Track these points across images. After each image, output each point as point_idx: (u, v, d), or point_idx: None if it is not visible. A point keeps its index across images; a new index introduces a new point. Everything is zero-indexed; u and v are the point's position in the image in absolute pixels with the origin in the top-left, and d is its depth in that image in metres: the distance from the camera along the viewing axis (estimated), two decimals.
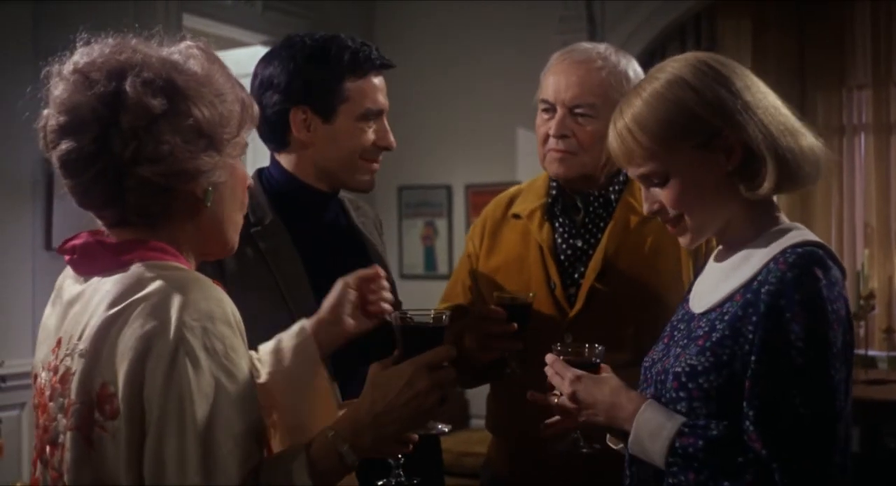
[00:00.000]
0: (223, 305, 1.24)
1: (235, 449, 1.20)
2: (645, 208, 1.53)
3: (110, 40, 1.30)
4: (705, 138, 1.44)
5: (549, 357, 1.57)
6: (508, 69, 5.28)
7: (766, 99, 1.47)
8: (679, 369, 1.44)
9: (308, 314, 1.69)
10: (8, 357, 3.88)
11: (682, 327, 1.54)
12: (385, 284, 1.68)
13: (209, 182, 1.29)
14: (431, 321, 1.40)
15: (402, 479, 1.60)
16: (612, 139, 1.51)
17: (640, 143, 1.46)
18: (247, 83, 1.65)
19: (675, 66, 1.49)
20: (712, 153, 1.45)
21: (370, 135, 1.91)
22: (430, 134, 5.65)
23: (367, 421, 1.30)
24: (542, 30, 5.15)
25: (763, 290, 1.40)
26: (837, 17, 5.42)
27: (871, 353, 5.01)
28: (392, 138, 1.95)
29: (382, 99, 1.93)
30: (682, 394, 1.43)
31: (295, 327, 1.58)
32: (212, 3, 4.83)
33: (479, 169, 5.54)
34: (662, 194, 1.49)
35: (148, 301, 1.20)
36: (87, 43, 1.30)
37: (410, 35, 5.73)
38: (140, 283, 1.23)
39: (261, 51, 5.09)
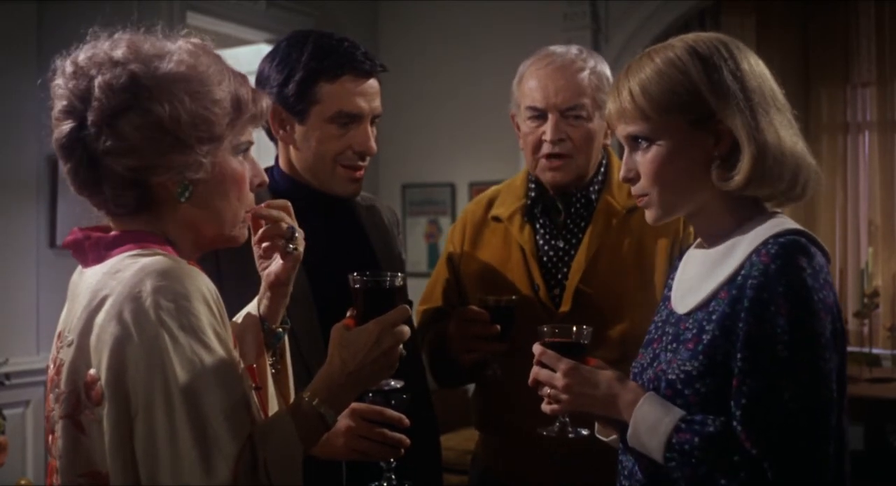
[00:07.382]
0: (199, 284, 1.25)
1: (225, 422, 1.21)
2: (621, 173, 1.52)
3: (114, 35, 1.33)
4: (700, 118, 1.44)
5: (536, 348, 1.52)
6: (512, 67, 5.22)
7: (771, 97, 1.46)
8: (673, 377, 1.42)
9: (304, 314, 1.67)
10: (12, 355, 3.89)
11: (669, 331, 1.50)
12: (274, 212, 1.49)
13: (184, 178, 1.30)
14: (389, 283, 1.46)
15: (394, 482, 1.61)
16: (612, 99, 1.50)
17: (638, 105, 1.45)
18: (252, 81, 1.64)
19: (695, 41, 1.47)
20: (703, 134, 1.44)
21: (344, 139, 1.87)
22: (433, 132, 5.65)
23: (342, 381, 1.36)
24: (546, 27, 5.13)
25: (747, 284, 1.38)
26: (842, 14, 5.40)
27: (875, 351, 5.00)
28: (372, 144, 1.89)
29: (363, 103, 1.87)
30: (678, 401, 1.40)
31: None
32: (216, 2, 4.82)
33: (483, 167, 5.53)
34: (642, 162, 1.48)
35: (124, 287, 1.22)
36: (96, 36, 1.33)
37: (414, 33, 5.73)
38: (118, 270, 1.26)
39: (264, 49, 5.10)
